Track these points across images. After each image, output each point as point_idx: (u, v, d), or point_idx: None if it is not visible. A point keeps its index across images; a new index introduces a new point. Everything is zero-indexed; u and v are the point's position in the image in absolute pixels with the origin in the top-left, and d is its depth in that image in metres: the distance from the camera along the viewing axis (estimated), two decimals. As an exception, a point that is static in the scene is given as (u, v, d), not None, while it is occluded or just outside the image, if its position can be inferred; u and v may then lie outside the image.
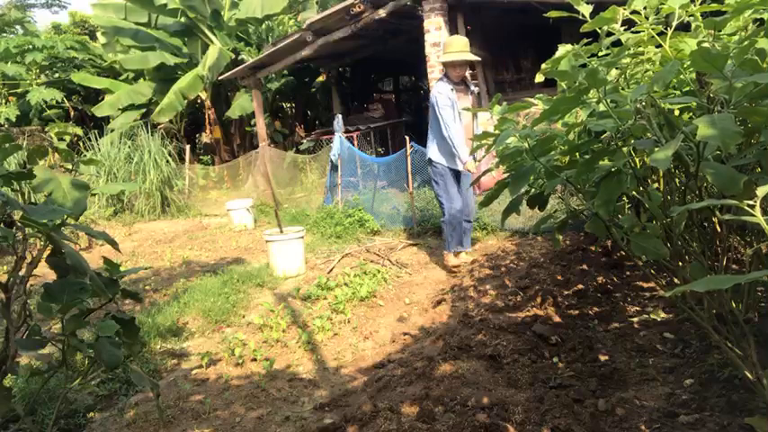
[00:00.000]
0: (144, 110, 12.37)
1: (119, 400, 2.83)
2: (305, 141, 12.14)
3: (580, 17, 2.10)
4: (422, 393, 2.34)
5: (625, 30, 2.03)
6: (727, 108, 1.41)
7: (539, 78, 2.30)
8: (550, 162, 1.91)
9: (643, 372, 2.40)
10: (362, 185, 7.53)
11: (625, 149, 1.74)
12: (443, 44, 4.51)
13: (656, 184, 2.11)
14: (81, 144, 10.11)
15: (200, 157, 13.62)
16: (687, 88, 1.75)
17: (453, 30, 8.17)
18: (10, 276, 1.43)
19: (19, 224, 1.40)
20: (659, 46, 1.90)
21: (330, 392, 2.72)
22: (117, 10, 12.09)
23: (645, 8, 1.90)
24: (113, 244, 1.63)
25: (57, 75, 13.18)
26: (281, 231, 4.99)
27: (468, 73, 8.43)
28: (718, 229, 1.89)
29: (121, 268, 1.68)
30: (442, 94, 4.51)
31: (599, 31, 2.10)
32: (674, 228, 1.75)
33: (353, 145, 7.45)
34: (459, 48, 4.48)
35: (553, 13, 2.12)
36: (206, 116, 12.89)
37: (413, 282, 4.38)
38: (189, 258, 6.09)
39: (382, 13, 8.00)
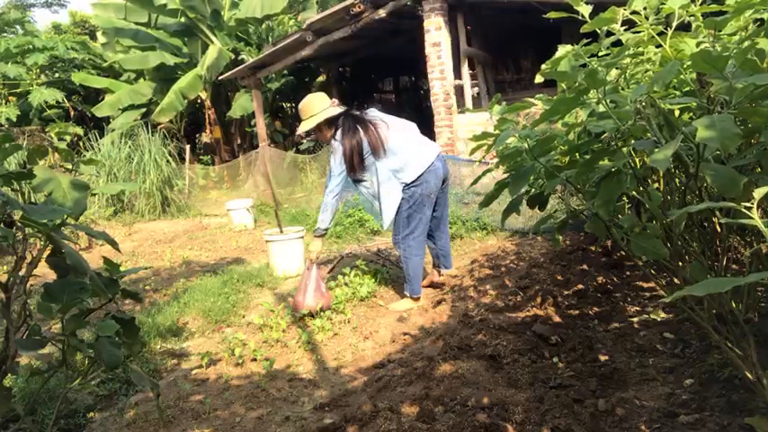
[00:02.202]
0: (144, 110, 12.38)
1: (119, 400, 2.83)
2: (305, 141, 12.14)
3: (580, 17, 2.10)
4: (422, 393, 2.34)
5: (625, 30, 2.03)
6: (728, 109, 1.41)
7: (539, 78, 2.30)
8: (550, 162, 1.91)
9: (643, 372, 2.40)
10: (362, 185, 7.52)
11: (625, 150, 1.74)
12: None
13: (656, 185, 2.11)
14: (81, 144, 10.12)
15: (201, 157, 13.63)
16: (687, 89, 1.75)
17: (453, 30, 8.18)
18: (10, 276, 1.43)
19: (19, 224, 1.40)
20: (659, 46, 1.90)
21: (330, 392, 2.72)
22: (117, 10, 12.09)
23: (645, 8, 1.90)
24: (113, 244, 1.63)
25: (57, 75, 13.20)
26: (281, 231, 4.99)
27: (468, 73, 8.48)
28: (718, 230, 1.89)
29: (121, 268, 1.68)
30: None
31: (599, 31, 2.10)
32: (674, 228, 1.75)
33: (353, 145, 7.44)
34: (308, 113, 3.71)
35: (553, 14, 2.12)
36: (206, 116, 12.90)
37: (413, 282, 4.37)
38: (189, 258, 6.09)
39: (382, 13, 8.01)
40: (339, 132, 3.64)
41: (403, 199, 3.65)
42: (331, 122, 3.72)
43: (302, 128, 3.76)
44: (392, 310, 3.77)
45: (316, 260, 3.77)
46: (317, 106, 3.70)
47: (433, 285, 4.10)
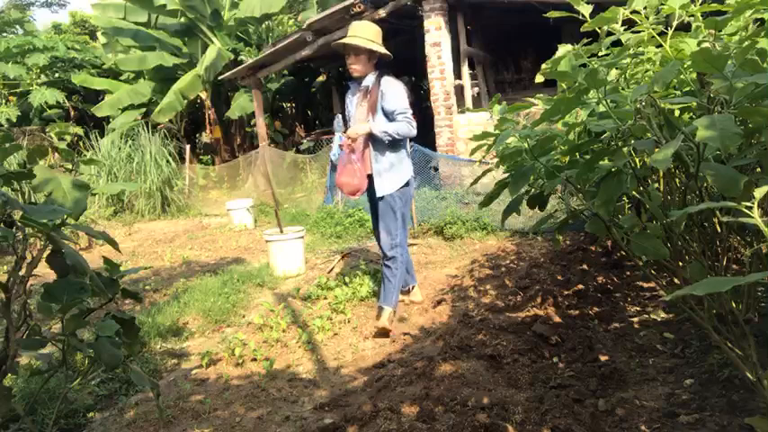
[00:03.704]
0: (144, 110, 12.38)
1: (119, 400, 2.83)
2: (305, 141, 12.14)
3: (580, 17, 2.10)
4: (422, 393, 2.34)
5: (625, 30, 2.03)
6: (728, 108, 1.41)
7: (539, 78, 2.30)
8: (550, 162, 1.91)
9: (643, 372, 2.40)
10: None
11: (625, 149, 1.74)
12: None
13: (656, 184, 2.11)
14: (81, 144, 10.13)
15: (201, 157, 13.62)
16: (687, 88, 1.75)
17: (453, 30, 8.18)
18: (10, 276, 1.43)
19: (19, 224, 1.39)
20: (659, 46, 1.90)
21: (330, 392, 2.72)
22: (117, 10, 12.09)
23: (645, 8, 1.90)
24: (113, 244, 1.63)
25: (57, 75, 13.20)
26: (281, 231, 4.99)
27: (468, 73, 8.48)
28: (719, 230, 1.89)
29: (121, 268, 1.67)
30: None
31: (599, 31, 2.10)
32: (675, 228, 1.75)
33: (353, 145, 7.45)
34: (350, 32, 3.41)
35: (553, 14, 2.12)
36: (206, 116, 12.90)
37: (413, 282, 4.38)
38: (189, 258, 6.09)
39: (382, 13, 8.01)
40: (392, 76, 3.44)
41: (398, 194, 3.44)
42: (380, 63, 3.48)
43: (356, 41, 3.32)
44: (381, 325, 3.36)
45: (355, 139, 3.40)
46: (379, 38, 3.43)
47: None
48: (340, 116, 3.73)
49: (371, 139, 3.39)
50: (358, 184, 3.36)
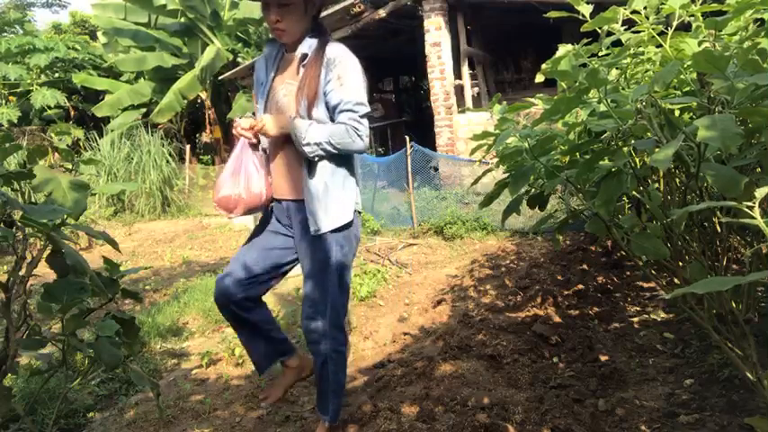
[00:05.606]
0: (144, 110, 12.40)
1: (119, 400, 2.83)
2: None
3: (580, 17, 2.10)
4: (422, 393, 2.34)
5: (625, 30, 2.03)
6: (728, 108, 1.41)
7: (539, 78, 2.30)
8: (550, 162, 1.91)
9: (643, 372, 2.40)
10: (362, 185, 7.50)
11: (625, 149, 1.74)
12: None
13: (656, 185, 2.11)
14: (81, 144, 10.14)
15: (201, 156, 13.62)
16: (687, 88, 1.75)
17: (453, 30, 8.18)
18: (10, 276, 1.43)
19: (19, 224, 1.39)
20: (660, 46, 1.90)
21: (330, 392, 2.72)
22: (117, 10, 12.10)
23: (645, 8, 1.90)
24: (113, 244, 1.63)
25: (57, 75, 13.20)
26: (281, 231, 4.99)
27: (468, 73, 8.48)
28: (719, 230, 1.89)
29: (121, 268, 1.67)
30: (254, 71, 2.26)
31: (599, 30, 2.10)
32: (675, 228, 1.75)
33: (353, 145, 7.44)
34: None
35: (553, 14, 2.12)
36: (206, 116, 12.91)
37: (413, 281, 4.38)
38: (189, 258, 6.09)
39: (382, 13, 8.01)
40: (341, 45, 2.07)
41: (343, 235, 2.07)
42: (317, 16, 2.11)
43: None
44: None
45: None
46: None
47: None
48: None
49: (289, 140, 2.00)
50: (258, 194, 2.13)
